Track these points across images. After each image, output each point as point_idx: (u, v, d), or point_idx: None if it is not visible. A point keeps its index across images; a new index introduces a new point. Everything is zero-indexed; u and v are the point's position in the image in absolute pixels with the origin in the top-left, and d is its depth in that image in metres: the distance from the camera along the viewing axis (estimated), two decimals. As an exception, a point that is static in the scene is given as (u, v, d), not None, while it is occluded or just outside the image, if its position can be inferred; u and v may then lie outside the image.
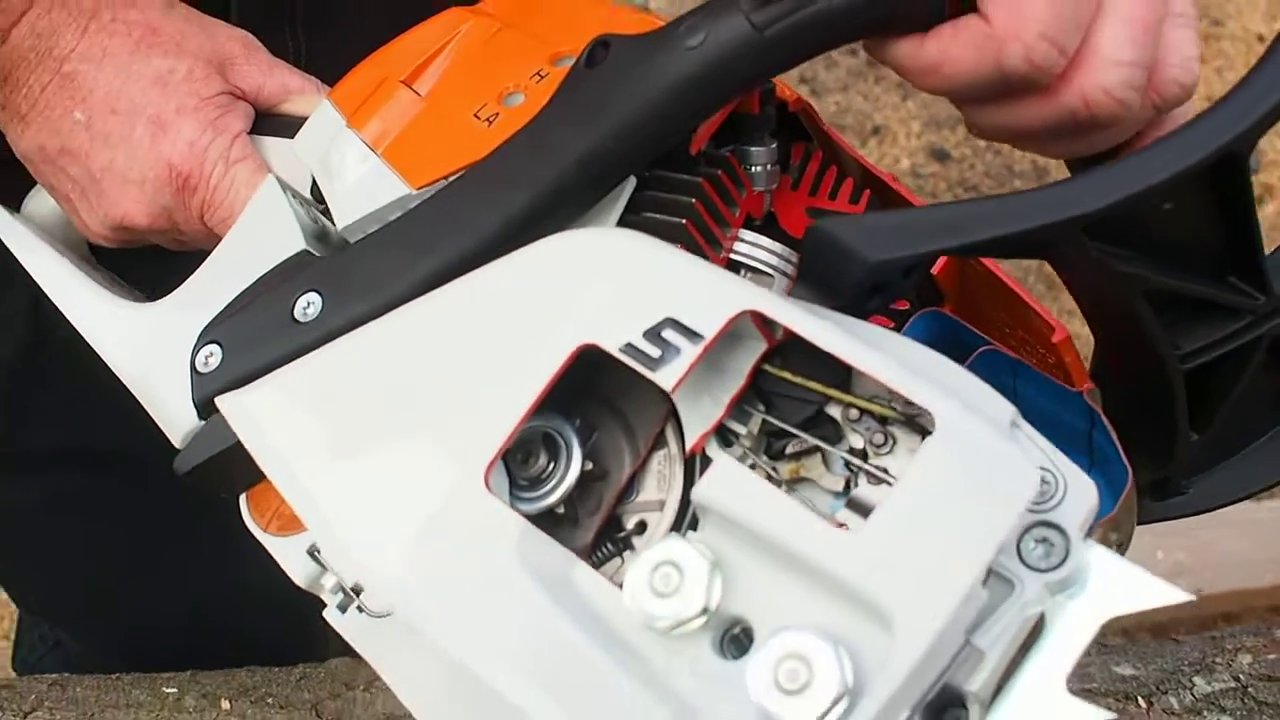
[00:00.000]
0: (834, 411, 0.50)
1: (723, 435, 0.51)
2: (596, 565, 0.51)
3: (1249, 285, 0.52)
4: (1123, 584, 0.45)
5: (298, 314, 0.56)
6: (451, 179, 0.57)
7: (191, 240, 0.68)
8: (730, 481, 0.45)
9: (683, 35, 0.51)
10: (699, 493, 0.45)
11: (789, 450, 0.51)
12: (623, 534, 0.52)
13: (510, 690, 0.45)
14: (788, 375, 0.50)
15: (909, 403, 0.46)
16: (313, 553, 0.56)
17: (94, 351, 0.64)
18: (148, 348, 0.61)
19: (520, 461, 0.51)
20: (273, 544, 0.57)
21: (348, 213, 0.59)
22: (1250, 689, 0.70)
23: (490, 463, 0.48)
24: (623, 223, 0.55)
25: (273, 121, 0.69)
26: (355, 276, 0.56)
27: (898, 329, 0.57)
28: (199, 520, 0.66)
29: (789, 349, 0.50)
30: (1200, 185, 0.49)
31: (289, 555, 0.57)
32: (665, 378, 0.47)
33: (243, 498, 0.59)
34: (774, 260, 0.58)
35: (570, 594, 0.46)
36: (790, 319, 0.47)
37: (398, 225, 0.57)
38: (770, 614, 0.44)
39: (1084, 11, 0.49)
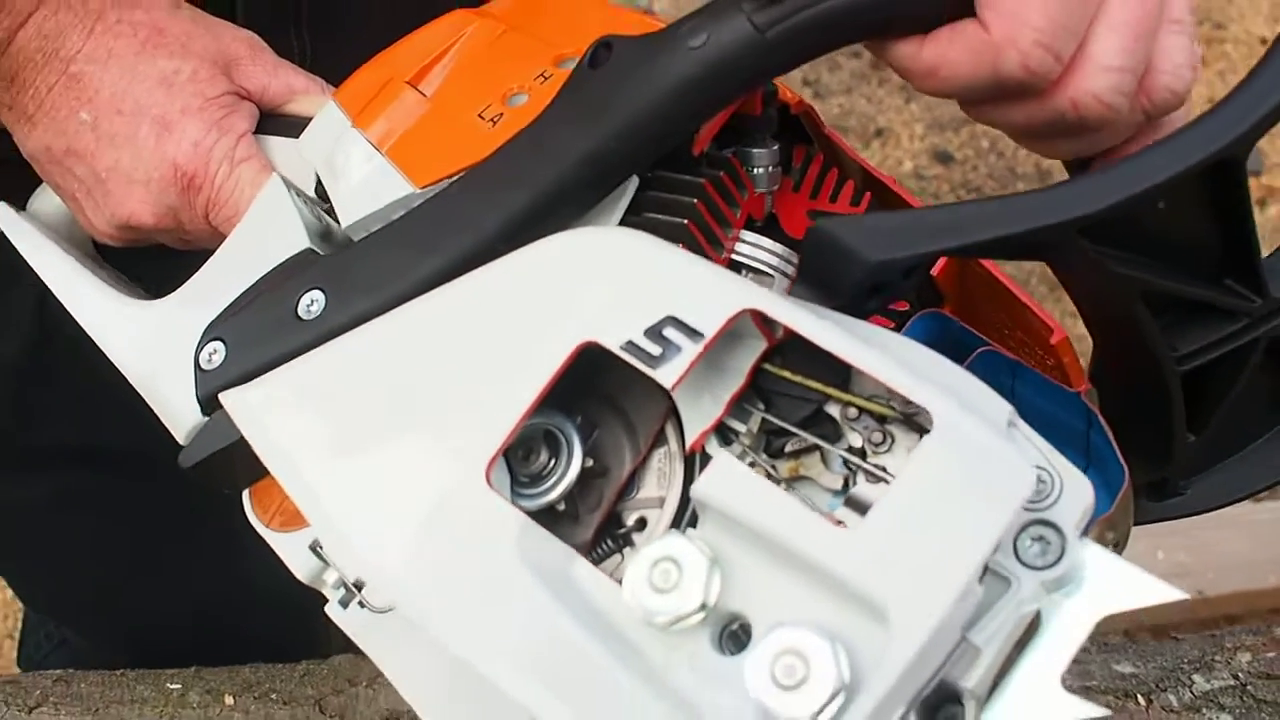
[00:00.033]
0: (833, 410, 0.50)
1: (722, 433, 0.52)
2: (597, 561, 0.52)
3: (1246, 288, 0.53)
4: (1118, 582, 0.45)
5: (301, 312, 0.57)
6: (455, 178, 0.57)
7: (196, 239, 0.69)
8: (729, 479, 0.45)
9: (685, 36, 0.52)
10: (698, 490, 0.46)
11: (788, 448, 0.51)
12: (623, 530, 0.52)
13: (510, 685, 0.45)
14: (787, 374, 0.50)
15: (907, 402, 0.47)
16: (315, 548, 0.57)
17: (99, 349, 0.65)
18: (152, 345, 0.62)
19: (521, 458, 0.51)
20: (275, 540, 0.58)
21: (352, 211, 0.60)
22: (1249, 687, 0.71)
23: (491, 460, 0.48)
24: (625, 222, 0.56)
25: (278, 121, 0.70)
26: (358, 275, 0.57)
27: (897, 329, 0.57)
28: (203, 517, 0.66)
29: (789, 348, 0.50)
30: (1197, 188, 0.49)
31: (291, 551, 0.57)
32: (666, 375, 0.47)
33: (246, 494, 0.60)
34: (775, 261, 0.58)
35: (570, 590, 0.46)
36: (790, 318, 0.47)
37: (401, 224, 0.58)
38: (769, 610, 0.45)
39: (1080, 18, 0.49)
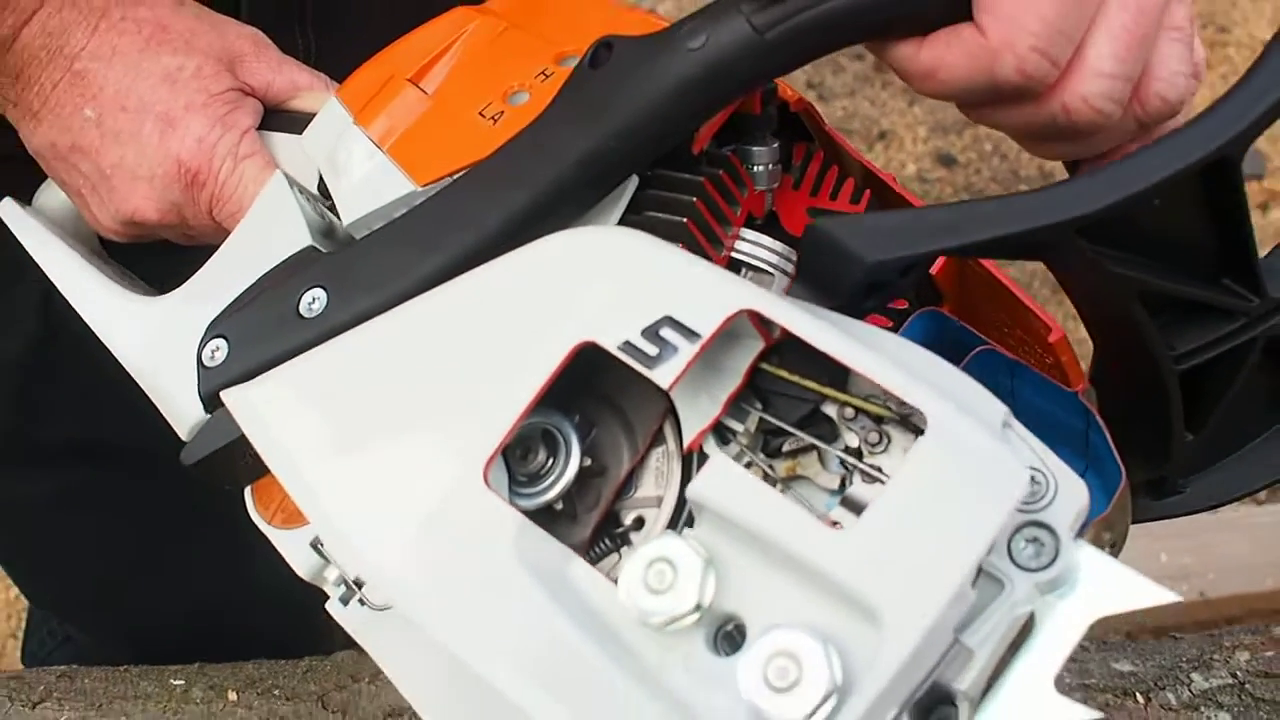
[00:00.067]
0: (830, 410, 0.51)
1: (720, 432, 0.52)
2: (594, 560, 0.52)
3: (1243, 287, 0.53)
4: (1113, 584, 0.45)
5: (303, 309, 0.57)
6: (456, 177, 0.58)
7: (200, 235, 0.69)
8: (724, 480, 0.45)
9: (684, 37, 0.52)
10: (694, 490, 0.46)
11: (786, 448, 0.52)
12: (621, 529, 0.52)
13: (505, 685, 0.45)
14: (785, 374, 0.50)
15: (903, 402, 0.47)
16: (316, 545, 0.57)
17: (104, 345, 0.65)
18: (155, 341, 0.62)
19: (520, 457, 0.52)
20: (277, 536, 0.58)
21: (353, 209, 0.60)
22: (1247, 685, 0.71)
23: (489, 459, 0.48)
24: (625, 221, 0.56)
25: (281, 118, 0.70)
26: (360, 273, 0.57)
27: (896, 328, 0.58)
28: (206, 515, 0.67)
29: (786, 348, 0.50)
30: (1193, 189, 0.49)
31: (293, 548, 0.58)
32: (662, 376, 0.47)
33: (248, 490, 0.60)
34: (774, 259, 0.59)
35: (566, 590, 0.46)
36: (787, 319, 0.47)
37: (402, 222, 0.58)
38: (763, 611, 0.45)
39: (1076, 23, 0.49)
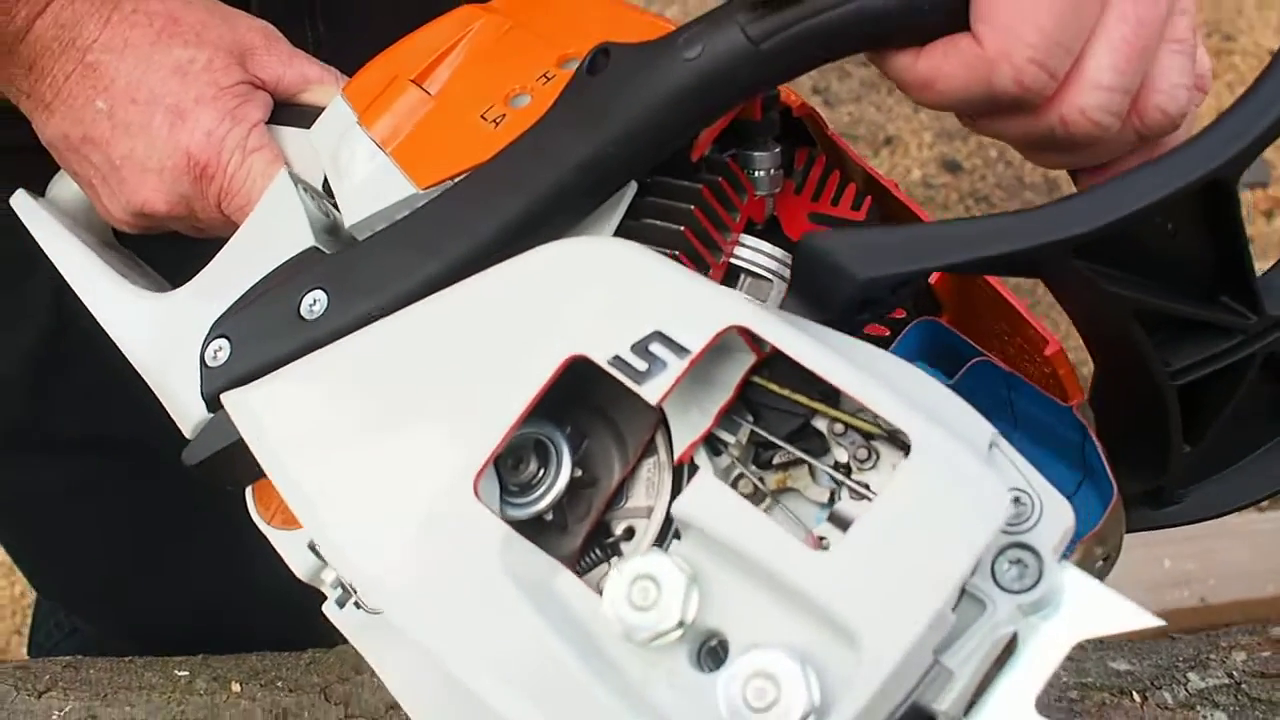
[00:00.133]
0: (820, 425, 0.51)
1: (712, 444, 0.52)
2: (584, 570, 0.52)
3: (1241, 305, 0.52)
4: (1096, 607, 0.45)
5: (304, 311, 0.58)
6: (457, 180, 0.58)
7: (209, 227, 0.70)
8: (708, 498, 0.46)
9: (681, 47, 0.52)
10: (678, 508, 0.46)
11: (776, 460, 0.52)
12: (611, 540, 0.53)
13: (490, 695, 0.46)
14: (775, 388, 0.51)
15: (890, 420, 0.47)
16: (314, 547, 0.58)
17: (113, 341, 0.66)
18: (161, 339, 0.63)
19: (511, 467, 0.52)
20: (276, 537, 0.59)
21: (356, 210, 0.60)
22: (1244, 685, 0.71)
23: (480, 470, 0.49)
24: (623, 227, 0.56)
25: (291, 111, 0.70)
26: (359, 276, 0.57)
27: (893, 336, 0.58)
28: (208, 514, 0.67)
29: (777, 361, 0.50)
30: (1189, 208, 0.49)
31: (291, 548, 0.58)
32: (651, 391, 0.47)
33: (249, 491, 0.61)
34: (774, 265, 0.58)
35: (552, 602, 0.47)
36: (775, 336, 0.47)
37: (403, 225, 0.58)
38: (745, 628, 0.45)
39: (1075, 35, 0.48)
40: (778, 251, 0.59)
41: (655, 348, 0.48)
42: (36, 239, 0.71)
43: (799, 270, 0.51)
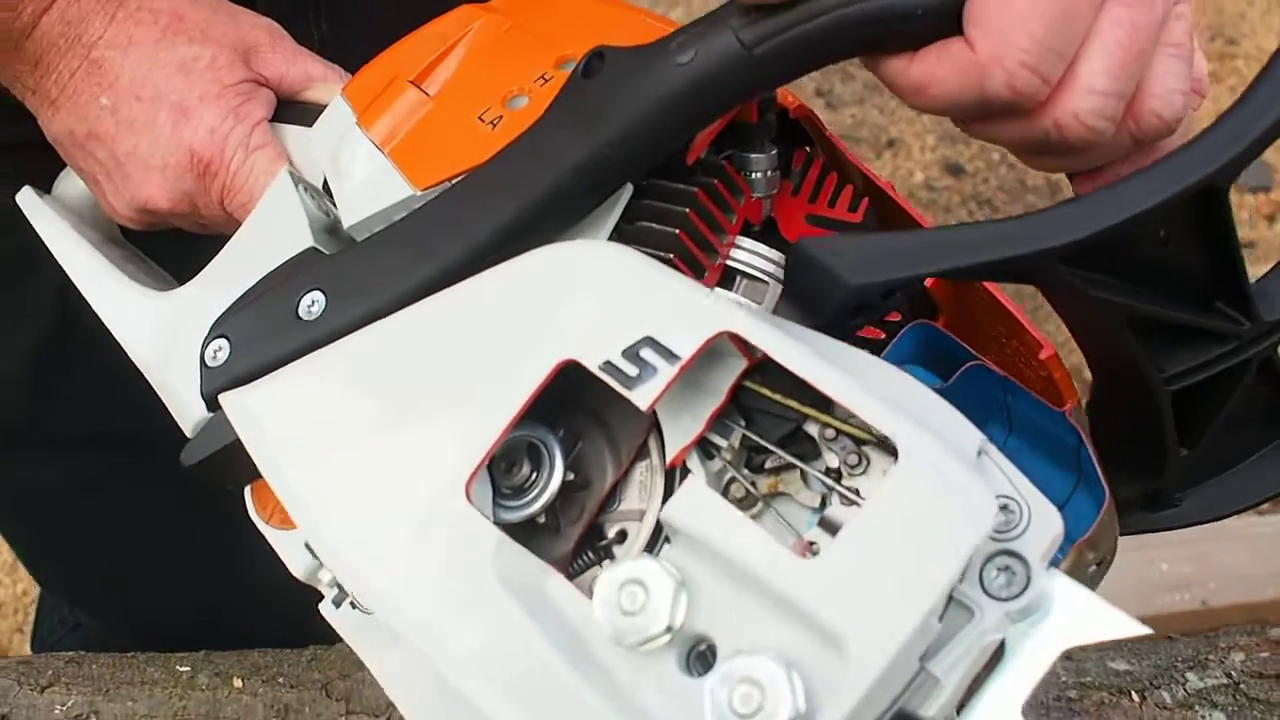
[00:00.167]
0: (812, 430, 0.51)
1: (705, 448, 0.52)
2: (577, 573, 0.53)
3: (1235, 311, 0.52)
4: (1084, 614, 0.45)
5: (302, 312, 0.58)
6: (454, 182, 0.58)
7: (212, 224, 0.70)
8: (696, 505, 0.46)
9: (674, 51, 0.52)
10: (667, 514, 0.46)
11: (768, 465, 0.52)
12: (604, 542, 0.53)
13: (479, 698, 0.46)
14: (767, 392, 0.51)
15: (880, 427, 0.47)
16: (310, 547, 0.58)
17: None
18: (163, 337, 0.63)
19: (504, 470, 0.52)
20: (274, 536, 0.59)
21: (355, 211, 0.61)
22: (1242, 685, 0.71)
23: (472, 474, 0.49)
24: (619, 229, 0.56)
25: (295, 109, 0.71)
26: (357, 277, 0.57)
27: (889, 339, 0.58)
28: (209, 513, 0.68)
29: (770, 366, 0.50)
30: (1181, 216, 0.48)
31: (289, 548, 0.59)
32: (641, 397, 0.48)
33: (248, 490, 0.61)
34: (770, 267, 0.58)
35: (543, 606, 0.47)
36: (765, 342, 0.47)
37: (400, 226, 0.58)
38: (733, 633, 0.45)
39: (1068, 39, 0.48)
40: (774, 253, 0.59)
41: (646, 353, 0.48)
42: (41, 235, 0.72)
43: (791, 276, 0.52)
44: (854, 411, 0.46)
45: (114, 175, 0.70)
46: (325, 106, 0.67)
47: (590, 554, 0.53)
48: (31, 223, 0.73)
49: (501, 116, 0.59)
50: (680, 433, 0.51)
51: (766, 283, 0.59)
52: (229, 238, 0.65)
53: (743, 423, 0.52)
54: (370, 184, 0.60)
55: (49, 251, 0.72)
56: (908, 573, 0.43)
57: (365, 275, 0.57)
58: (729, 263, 0.59)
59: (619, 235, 0.56)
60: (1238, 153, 0.46)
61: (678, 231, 0.56)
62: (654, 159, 0.55)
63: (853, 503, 0.49)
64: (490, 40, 0.64)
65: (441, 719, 0.52)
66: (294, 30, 0.74)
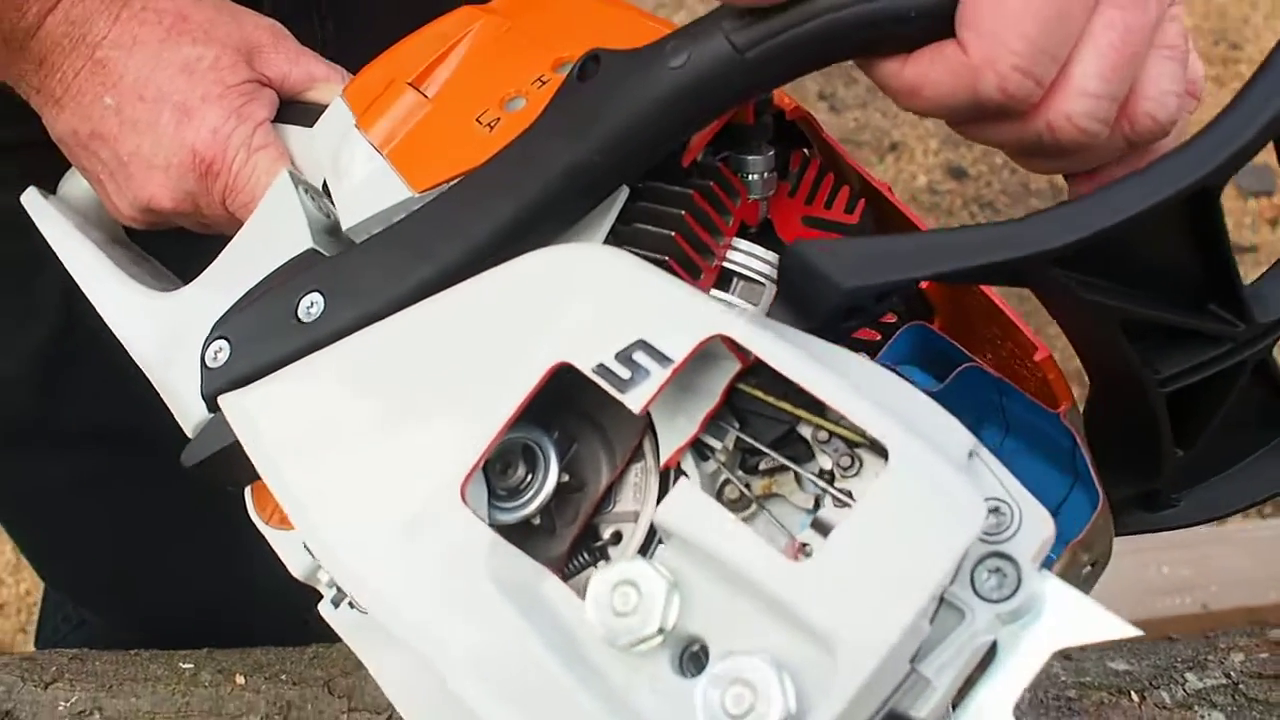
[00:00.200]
0: (805, 432, 0.51)
1: (699, 450, 0.52)
2: (572, 574, 0.53)
3: (1229, 313, 0.52)
4: (1075, 616, 0.46)
5: (301, 314, 0.58)
6: (451, 184, 0.58)
7: (215, 224, 0.71)
8: (688, 507, 0.46)
9: (668, 55, 0.52)
10: (659, 516, 0.47)
11: (762, 466, 0.52)
12: (599, 543, 0.53)
13: (475, 700, 0.47)
14: (761, 394, 0.51)
15: (872, 430, 0.47)
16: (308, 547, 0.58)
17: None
18: (164, 338, 0.64)
19: (499, 472, 0.53)
20: (273, 536, 0.60)
21: (354, 213, 0.61)
22: (1241, 685, 0.71)
23: (467, 476, 0.49)
24: (616, 232, 0.56)
25: (297, 109, 0.71)
26: (355, 279, 0.58)
27: (884, 341, 0.58)
28: (209, 513, 0.68)
29: (763, 369, 0.50)
30: (1176, 217, 0.48)
31: (288, 548, 0.59)
32: (634, 400, 0.48)
33: (248, 490, 0.62)
34: (766, 269, 0.59)
35: (537, 607, 0.47)
36: (757, 345, 0.48)
37: (398, 228, 0.59)
38: (725, 635, 0.46)
39: (1060, 41, 0.48)
40: (770, 255, 0.59)
41: (639, 356, 0.48)
42: (45, 236, 0.72)
43: (784, 278, 0.52)
44: (845, 414, 0.46)
45: (117, 175, 0.70)
46: (327, 107, 0.68)
47: (585, 555, 0.53)
48: (36, 223, 0.73)
49: (499, 118, 0.59)
50: (675, 434, 0.52)
51: (763, 284, 0.59)
52: (231, 238, 0.66)
53: (737, 425, 0.52)
54: (369, 186, 0.61)
55: (54, 252, 0.72)
56: (897, 575, 0.43)
57: (363, 277, 0.58)
58: (725, 264, 0.59)
59: (615, 237, 0.56)
60: (1229, 156, 0.46)
61: (673, 234, 0.56)
62: (649, 161, 0.55)
63: (845, 504, 0.49)
64: (489, 42, 0.64)
65: (438, 718, 0.53)
66: (298, 31, 0.74)
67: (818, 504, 0.51)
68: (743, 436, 0.52)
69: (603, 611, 0.45)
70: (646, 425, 0.53)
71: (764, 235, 0.61)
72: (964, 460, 0.46)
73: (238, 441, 0.57)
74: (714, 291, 0.57)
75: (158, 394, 0.64)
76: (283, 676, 0.72)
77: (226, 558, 0.86)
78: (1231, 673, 0.72)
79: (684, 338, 0.48)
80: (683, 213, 0.56)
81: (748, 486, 0.52)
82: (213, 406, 0.60)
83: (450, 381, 0.52)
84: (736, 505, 0.51)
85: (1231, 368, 0.54)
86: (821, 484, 0.50)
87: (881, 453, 0.49)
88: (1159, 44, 0.50)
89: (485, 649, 0.47)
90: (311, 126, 0.68)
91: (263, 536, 0.61)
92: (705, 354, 0.49)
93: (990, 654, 0.46)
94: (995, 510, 0.46)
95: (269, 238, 0.63)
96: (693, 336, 0.48)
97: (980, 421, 0.58)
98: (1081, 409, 0.59)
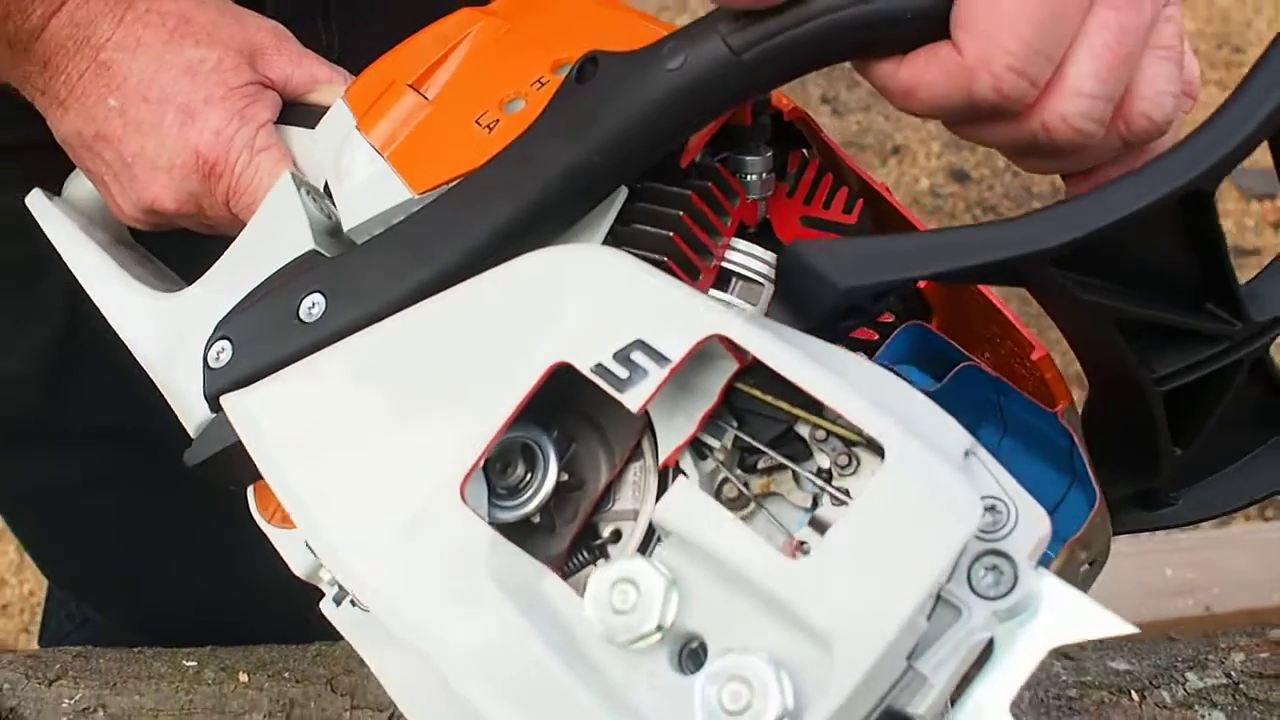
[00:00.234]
0: (803, 431, 0.51)
1: (697, 449, 0.53)
2: (572, 572, 0.53)
3: (1225, 312, 0.52)
4: (1072, 613, 0.46)
5: (303, 314, 0.59)
6: (451, 186, 0.59)
7: (218, 225, 0.71)
8: (686, 505, 0.47)
9: (665, 57, 0.52)
10: (658, 515, 0.47)
11: (760, 465, 0.52)
12: (599, 542, 0.54)
13: (475, 697, 0.47)
14: (759, 394, 0.51)
15: (869, 429, 0.47)
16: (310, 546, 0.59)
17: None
18: (167, 338, 0.64)
19: (499, 471, 0.53)
20: (275, 535, 0.60)
21: (355, 214, 0.61)
22: (1241, 685, 0.71)
23: (466, 475, 0.50)
24: (614, 232, 0.57)
25: (299, 111, 0.71)
26: (356, 280, 0.58)
27: (882, 341, 0.58)
28: (212, 513, 0.69)
29: (761, 368, 0.51)
30: (1171, 217, 0.49)
31: (290, 547, 0.59)
32: (632, 399, 0.48)
33: (250, 489, 0.62)
34: (765, 269, 0.59)
35: (537, 605, 0.48)
36: (754, 344, 0.48)
37: (399, 229, 0.59)
38: (723, 632, 0.46)
39: (1055, 42, 0.48)
40: (769, 255, 0.59)
41: (637, 356, 0.49)
42: (49, 237, 0.73)
43: (782, 278, 0.52)
44: (841, 413, 0.46)
45: (121, 176, 0.71)
46: (329, 109, 0.68)
47: (585, 554, 0.53)
48: (40, 224, 0.74)
49: (498, 120, 0.59)
50: (673, 434, 0.52)
51: (761, 284, 0.59)
52: (234, 239, 0.66)
53: (735, 424, 0.52)
54: (370, 187, 0.61)
55: (59, 253, 0.72)
56: (894, 572, 0.43)
57: (364, 278, 0.58)
58: (724, 264, 0.59)
59: (614, 238, 0.56)
60: (1223, 156, 0.46)
61: (671, 234, 0.56)
62: (647, 162, 0.56)
63: (843, 503, 0.50)
64: (489, 44, 0.64)
65: (438, 715, 0.53)
66: (301, 33, 0.74)
67: (815, 502, 0.51)
68: (741, 435, 0.52)
69: (602, 609, 0.45)
70: (645, 425, 0.53)
71: (762, 235, 0.61)
72: (960, 458, 0.47)
73: (240, 441, 0.58)
74: (713, 291, 0.57)
75: (161, 394, 0.64)
76: (285, 674, 0.72)
77: (229, 557, 0.87)
78: (1232, 672, 0.72)
79: (682, 338, 0.48)
80: (681, 213, 0.57)
81: (746, 485, 0.52)
82: (215, 406, 0.60)
83: (450, 381, 0.52)
84: (735, 504, 0.52)
85: (1228, 366, 0.54)
86: (819, 482, 0.50)
87: (879, 451, 0.50)
88: (1154, 44, 0.51)
89: (485, 647, 0.47)
90: (313, 128, 0.69)
91: (265, 536, 0.61)
92: (703, 354, 0.50)
93: (987, 652, 0.46)
94: (992, 508, 0.47)
95: (271, 239, 0.64)
96: (691, 336, 0.48)
97: (978, 421, 0.58)
98: (1080, 411, 0.59)
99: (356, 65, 0.71)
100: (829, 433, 0.50)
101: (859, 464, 0.50)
